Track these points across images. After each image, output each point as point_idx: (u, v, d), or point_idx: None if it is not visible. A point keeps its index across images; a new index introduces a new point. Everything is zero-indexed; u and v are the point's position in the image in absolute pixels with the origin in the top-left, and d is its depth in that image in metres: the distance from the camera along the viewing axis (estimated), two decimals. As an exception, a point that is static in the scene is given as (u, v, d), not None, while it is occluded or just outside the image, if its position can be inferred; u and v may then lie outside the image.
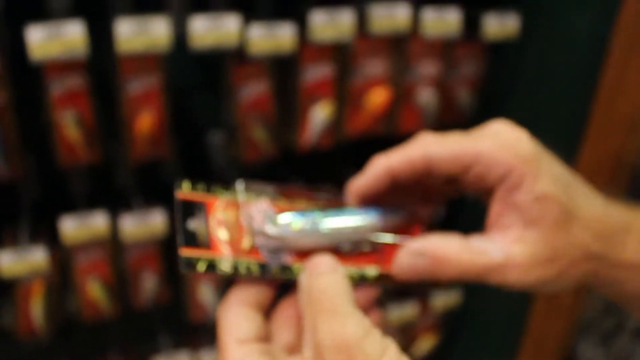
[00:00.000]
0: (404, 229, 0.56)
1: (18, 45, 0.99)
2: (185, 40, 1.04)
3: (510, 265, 0.48)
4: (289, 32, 1.07)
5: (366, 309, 0.50)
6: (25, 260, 1.10)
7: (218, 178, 1.40)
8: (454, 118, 1.33)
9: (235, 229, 0.49)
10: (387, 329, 1.37)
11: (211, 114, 1.31)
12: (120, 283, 1.26)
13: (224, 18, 1.01)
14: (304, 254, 0.48)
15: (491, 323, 1.53)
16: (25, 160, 1.11)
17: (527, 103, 1.32)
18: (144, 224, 1.17)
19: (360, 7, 1.12)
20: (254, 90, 1.16)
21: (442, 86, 1.29)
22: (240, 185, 0.52)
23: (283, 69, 1.17)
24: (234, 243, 0.47)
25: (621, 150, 1.17)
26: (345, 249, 0.52)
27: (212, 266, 0.45)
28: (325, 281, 0.44)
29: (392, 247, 0.54)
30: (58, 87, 1.04)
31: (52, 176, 1.22)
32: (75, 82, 1.05)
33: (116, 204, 1.20)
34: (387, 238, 0.54)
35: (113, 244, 1.20)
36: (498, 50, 1.32)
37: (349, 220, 0.51)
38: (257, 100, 1.17)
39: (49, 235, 1.16)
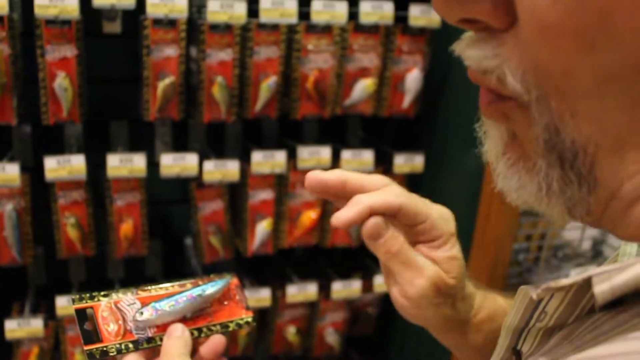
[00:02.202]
0: (227, 291, 0.81)
1: (39, 167, 1.38)
2: (159, 169, 1.43)
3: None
4: (236, 166, 1.46)
5: (213, 355, 0.75)
6: (26, 328, 1.44)
7: (191, 273, 1.75)
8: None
9: (115, 321, 0.71)
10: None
11: (186, 224, 1.68)
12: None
13: (186, 156, 1.40)
14: (164, 326, 0.71)
15: None
16: (34, 252, 1.48)
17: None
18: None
19: (291, 148, 1.51)
20: (211, 208, 1.53)
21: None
22: (116, 289, 0.77)
23: (234, 192, 1.55)
24: (117, 331, 0.70)
25: (494, 263, 1.51)
26: (189, 317, 0.74)
27: (105, 352, 0.67)
28: (173, 341, 0.68)
29: (219, 307, 0.79)
30: (63, 198, 1.42)
31: (54, 264, 1.58)
32: (77, 195, 1.43)
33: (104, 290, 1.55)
34: (215, 303, 0.79)
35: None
36: (408, 179, 1.68)
37: (191, 297, 0.76)
38: (213, 215, 1.54)
39: (47, 310, 1.50)
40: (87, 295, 0.72)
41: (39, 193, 1.45)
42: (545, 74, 0.34)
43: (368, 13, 1.43)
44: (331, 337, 1.75)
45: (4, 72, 1.28)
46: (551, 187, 0.37)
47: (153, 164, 1.46)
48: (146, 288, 0.75)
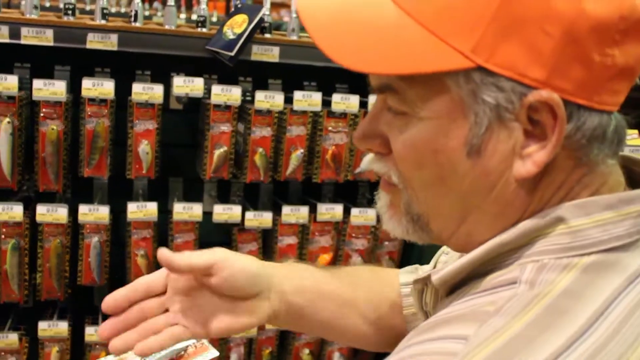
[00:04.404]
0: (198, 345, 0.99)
1: (116, 209, 1.82)
2: (209, 216, 1.87)
3: None
4: (270, 217, 1.89)
5: None
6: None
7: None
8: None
9: None
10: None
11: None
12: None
13: (233, 207, 1.84)
14: None
15: None
16: (109, 275, 1.90)
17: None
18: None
19: (312, 204, 1.94)
20: (248, 248, 1.96)
21: (369, 256, 2.06)
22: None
23: (266, 237, 1.97)
24: None
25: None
26: (175, 357, 0.93)
27: None
28: None
29: (191, 349, 0.97)
30: (136, 235, 1.86)
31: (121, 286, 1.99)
32: (146, 233, 1.87)
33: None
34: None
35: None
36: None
37: (168, 351, 0.92)
38: (250, 254, 1.96)
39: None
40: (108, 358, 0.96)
41: (114, 231, 1.89)
42: (404, 178, 0.67)
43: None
44: (338, 361, 2.14)
45: (104, 139, 1.74)
46: (409, 231, 0.70)
47: (204, 213, 1.89)
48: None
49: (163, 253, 0.82)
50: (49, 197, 1.83)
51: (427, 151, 0.63)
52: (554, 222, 0.62)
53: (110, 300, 0.85)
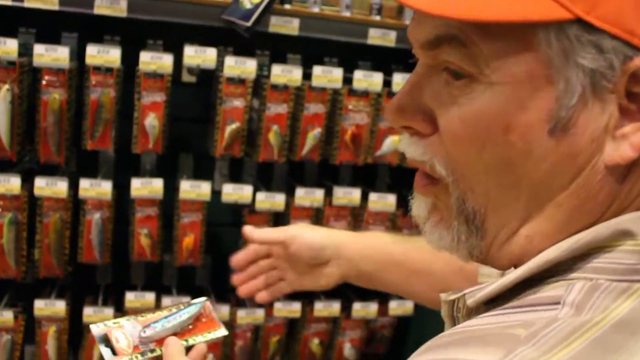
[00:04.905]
0: (203, 311, 1.02)
1: (122, 185, 1.72)
2: (219, 195, 1.76)
3: None
4: (282, 199, 1.78)
5: (197, 358, 0.92)
6: (100, 315, 1.76)
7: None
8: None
9: (127, 338, 0.91)
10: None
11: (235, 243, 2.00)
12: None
13: (244, 187, 1.73)
14: (161, 339, 0.92)
15: (437, 327, 2.02)
16: (111, 254, 1.80)
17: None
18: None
19: (328, 187, 1.83)
20: (258, 230, 1.85)
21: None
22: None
23: (278, 220, 1.87)
24: (127, 347, 0.91)
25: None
26: (179, 332, 0.95)
27: None
28: (171, 349, 0.88)
29: (198, 324, 1.00)
30: (140, 213, 1.76)
31: (119, 267, 1.90)
32: (151, 211, 1.76)
33: (161, 291, 1.87)
34: (195, 321, 0.98)
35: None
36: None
37: (178, 317, 0.96)
38: (259, 237, 1.86)
39: (116, 304, 1.83)
40: (102, 323, 0.94)
41: (118, 207, 1.79)
42: (456, 165, 0.52)
43: (399, 83, 1.75)
44: (349, 352, 2.04)
45: (109, 110, 1.63)
46: (460, 238, 0.55)
47: (213, 191, 1.79)
48: (143, 315, 0.98)
49: (247, 228, 1.12)
50: (52, 170, 1.73)
51: (494, 127, 0.50)
52: (622, 235, 0.49)
53: (240, 257, 1.14)
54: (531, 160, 0.50)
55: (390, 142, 1.81)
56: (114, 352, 0.91)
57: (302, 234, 1.08)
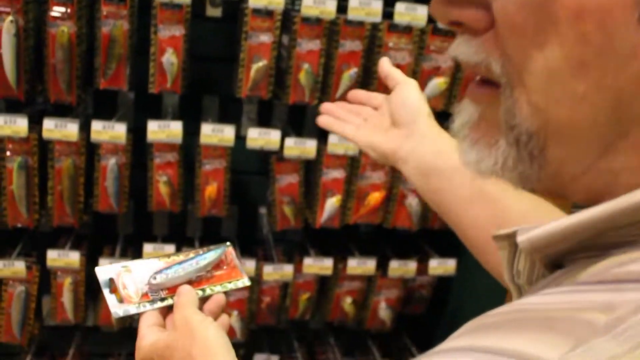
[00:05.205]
0: (224, 258, 0.92)
1: (137, 130, 1.57)
2: (244, 141, 1.60)
3: None
4: (314, 145, 1.61)
5: (214, 311, 0.84)
6: (117, 268, 1.64)
7: (262, 239, 1.93)
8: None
9: (135, 285, 0.82)
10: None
11: (262, 193, 1.86)
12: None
13: (270, 131, 1.57)
14: (174, 287, 0.83)
15: (480, 289, 1.79)
16: (128, 202, 1.68)
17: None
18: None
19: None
20: (287, 180, 1.69)
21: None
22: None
23: (309, 169, 1.70)
24: (135, 293, 0.82)
25: None
26: (194, 280, 0.86)
27: (127, 310, 0.79)
28: (183, 299, 0.79)
29: (218, 271, 0.90)
30: (159, 159, 1.61)
31: (141, 217, 1.78)
32: (171, 157, 1.62)
33: (183, 243, 1.75)
34: (214, 268, 0.91)
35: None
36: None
37: (195, 263, 0.86)
38: (289, 187, 1.70)
39: (134, 255, 1.71)
40: (110, 266, 0.85)
41: (136, 152, 1.65)
42: (513, 66, 0.40)
43: (447, 17, 1.55)
44: (384, 312, 1.89)
45: (122, 45, 1.47)
46: (506, 163, 0.42)
47: (239, 137, 1.63)
48: (160, 258, 0.88)
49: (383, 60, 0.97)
50: (66, 112, 1.59)
51: (562, 13, 0.36)
52: None
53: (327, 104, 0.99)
54: (613, 61, 0.36)
55: (434, 85, 1.62)
56: (121, 299, 0.81)
57: (409, 90, 0.93)
